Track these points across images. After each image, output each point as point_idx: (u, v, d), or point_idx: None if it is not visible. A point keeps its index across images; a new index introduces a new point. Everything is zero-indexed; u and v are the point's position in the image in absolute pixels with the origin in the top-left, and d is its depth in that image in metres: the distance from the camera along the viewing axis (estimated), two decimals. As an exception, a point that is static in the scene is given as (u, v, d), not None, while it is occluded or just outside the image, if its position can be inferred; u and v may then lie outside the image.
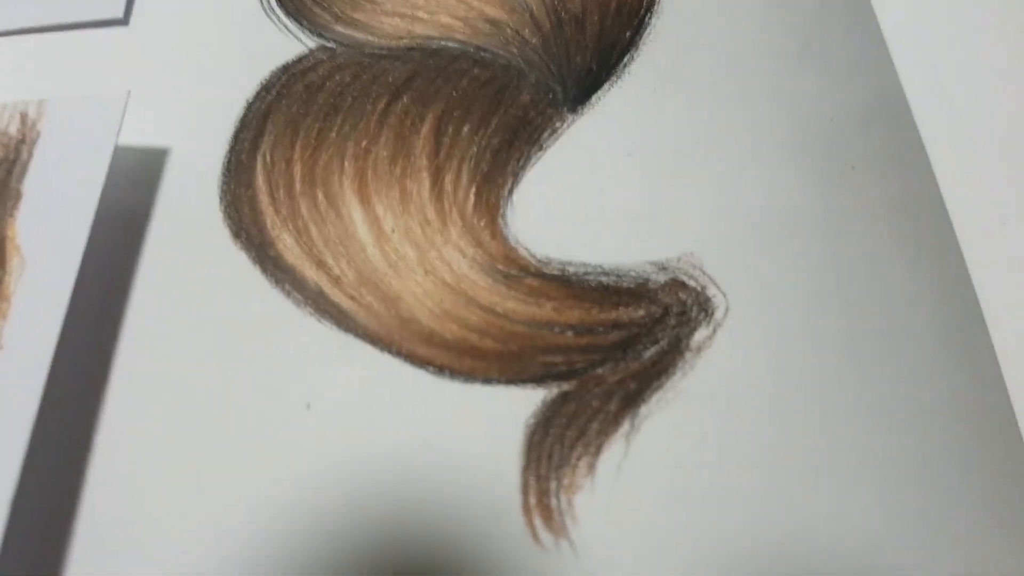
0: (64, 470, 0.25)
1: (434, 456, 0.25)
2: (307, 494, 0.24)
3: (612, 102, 0.31)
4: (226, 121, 0.31)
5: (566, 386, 0.25)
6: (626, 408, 0.25)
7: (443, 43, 0.32)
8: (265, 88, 0.31)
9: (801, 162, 0.29)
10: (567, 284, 0.27)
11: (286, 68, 0.32)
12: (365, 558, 0.23)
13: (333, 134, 0.30)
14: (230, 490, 0.25)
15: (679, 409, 0.25)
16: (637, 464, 0.24)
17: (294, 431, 0.25)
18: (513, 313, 0.27)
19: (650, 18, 0.32)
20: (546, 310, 0.27)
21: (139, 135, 0.30)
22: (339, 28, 0.33)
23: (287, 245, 0.28)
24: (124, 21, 0.34)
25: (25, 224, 0.26)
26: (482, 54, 0.32)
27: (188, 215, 0.29)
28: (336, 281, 0.27)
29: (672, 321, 0.26)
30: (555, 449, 0.24)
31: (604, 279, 0.27)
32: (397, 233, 0.28)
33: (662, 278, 0.27)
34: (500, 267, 0.28)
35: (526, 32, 0.32)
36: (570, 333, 0.26)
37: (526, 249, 0.28)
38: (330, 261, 0.28)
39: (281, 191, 0.29)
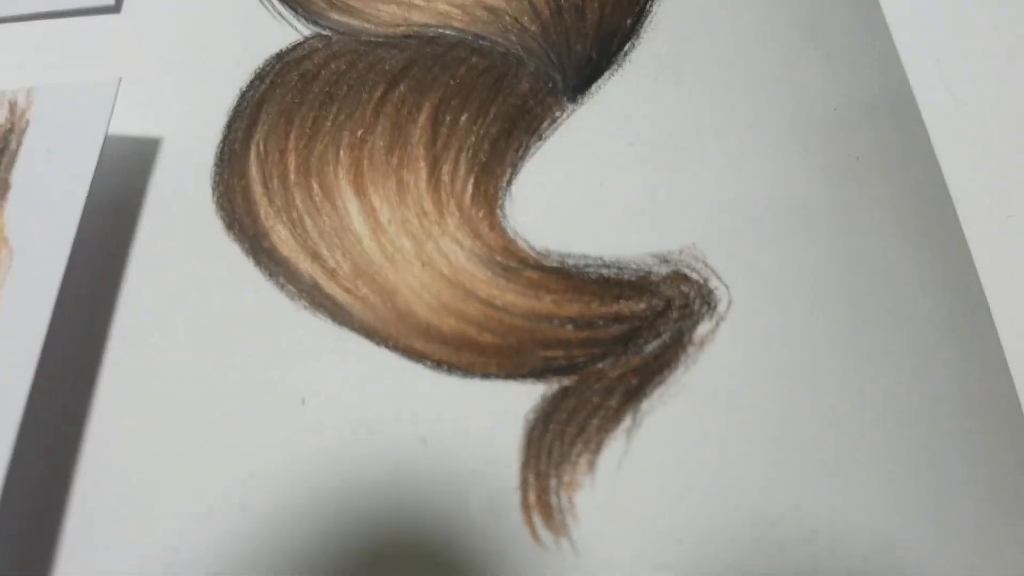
0: (53, 467, 0.25)
1: (431, 453, 0.24)
2: (301, 492, 0.24)
3: (613, 91, 0.30)
4: (219, 110, 0.30)
5: (566, 381, 0.25)
6: (627, 403, 0.25)
7: (440, 31, 0.32)
8: (259, 76, 0.31)
9: (805, 153, 0.29)
10: (567, 276, 0.27)
11: (280, 56, 0.31)
12: (361, 556, 0.23)
13: (328, 123, 0.30)
14: (222, 487, 0.24)
15: (681, 404, 0.25)
16: (638, 461, 0.24)
17: (288, 427, 0.25)
18: (512, 306, 0.26)
19: (651, 5, 0.32)
20: (546, 303, 0.26)
21: (130, 124, 0.30)
22: (334, 15, 0.32)
23: (281, 237, 0.28)
24: (115, 8, 0.33)
25: (13, 215, 0.26)
26: (480, 42, 0.31)
27: (180, 206, 0.29)
28: (331, 274, 0.27)
29: (674, 314, 0.26)
30: (555, 445, 0.24)
31: (605, 271, 0.27)
32: (394, 225, 0.28)
33: (664, 270, 0.27)
34: (499, 259, 0.27)
35: (525, 19, 0.32)
36: (570, 326, 0.26)
37: (525, 241, 0.27)
38: (325, 253, 0.27)
39: (275, 181, 0.29)
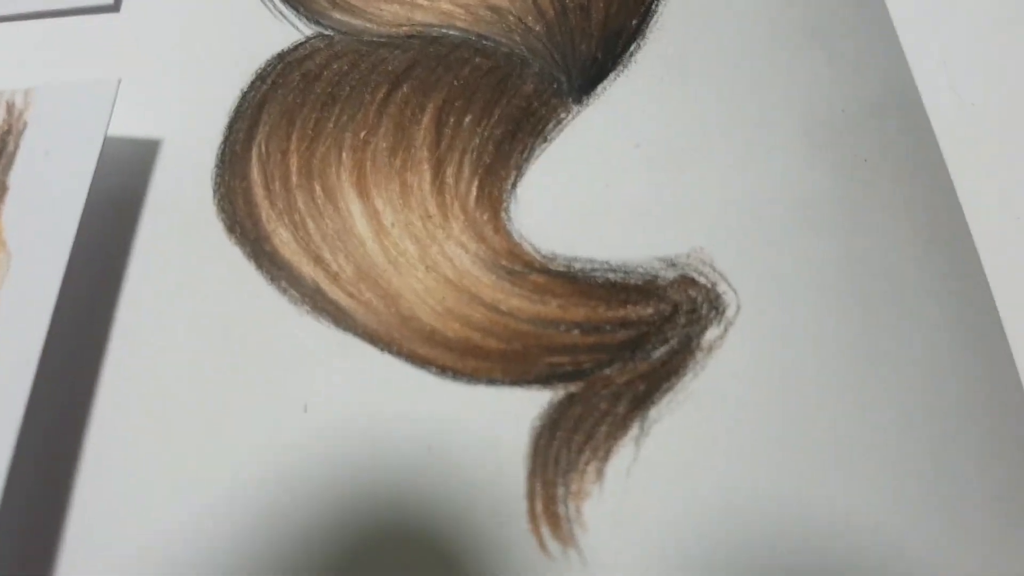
0: (53, 473, 0.24)
1: (437, 461, 0.24)
2: (304, 499, 0.24)
3: (618, 92, 0.30)
4: (220, 111, 0.30)
5: (573, 387, 0.25)
6: (635, 410, 0.24)
7: (444, 31, 0.31)
8: (260, 77, 0.31)
9: (812, 154, 0.28)
10: (573, 281, 0.26)
11: (282, 56, 0.31)
12: (365, 565, 0.23)
13: (331, 125, 0.29)
14: (224, 495, 0.24)
15: (690, 411, 0.24)
16: (647, 469, 0.23)
17: (290, 433, 0.24)
18: (517, 311, 0.26)
19: (656, 5, 0.32)
20: (551, 308, 0.26)
21: (130, 125, 0.30)
22: (336, 15, 0.32)
23: (283, 240, 0.27)
24: (115, 7, 0.33)
25: (11, 218, 0.26)
26: (484, 42, 0.31)
27: (181, 208, 0.28)
28: (334, 277, 0.27)
29: (682, 319, 0.26)
30: (562, 453, 0.24)
31: (611, 276, 0.26)
32: (397, 227, 0.27)
33: (671, 274, 0.26)
34: (504, 263, 0.27)
35: (529, 19, 0.31)
36: (576, 332, 0.26)
37: (530, 244, 0.27)
38: (328, 256, 0.27)
39: (277, 183, 0.28)
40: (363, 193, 0.28)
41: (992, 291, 0.26)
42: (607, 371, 0.25)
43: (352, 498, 0.24)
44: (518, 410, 0.24)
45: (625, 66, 0.30)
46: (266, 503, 0.24)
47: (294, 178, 0.28)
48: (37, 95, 0.28)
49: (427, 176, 0.28)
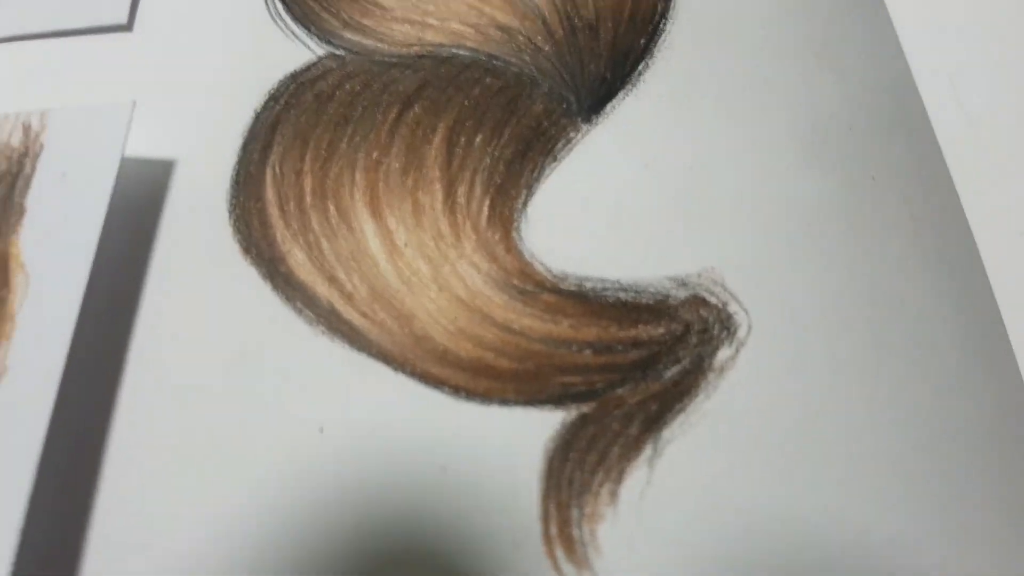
0: (72, 496, 0.24)
1: (451, 481, 0.24)
2: (319, 520, 0.24)
3: (627, 111, 0.30)
4: (234, 131, 0.30)
5: (585, 407, 0.25)
6: (648, 431, 0.24)
7: (454, 51, 0.31)
8: (273, 97, 0.31)
9: (821, 173, 0.29)
10: (584, 300, 0.27)
11: (295, 76, 0.31)
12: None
13: (344, 145, 0.30)
14: (241, 516, 0.24)
15: (703, 432, 0.24)
16: (661, 491, 0.24)
17: (306, 455, 0.25)
18: (529, 331, 0.26)
19: (665, 25, 0.32)
20: (563, 327, 0.26)
21: (144, 146, 0.30)
22: (348, 34, 0.32)
23: (298, 261, 0.28)
24: (128, 27, 0.33)
25: (29, 240, 0.26)
26: (494, 62, 0.31)
27: (196, 229, 0.28)
28: (349, 298, 0.27)
29: (693, 339, 0.26)
30: (576, 475, 0.24)
31: (622, 295, 0.27)
32: (410, 247, 0.28)
33: (682, 294, 0.27)
34: (515, 283, 0.27)
35: (539, 39, 0.31)
36: (588, 351, 0.26)
37: (542, 264, 0.27)
38: (342, 277, 0.27)
39: (291, 204, 0.29)
40: (376, 213, 0.28)
41: (999, 308, 0.26)
42: (619, 391, 0.25)
43: (368, 518, 0.24)
44: (531, 430, 0.25)
45: (634, 85, 0.31)
46: (283, 525, 0.24)
47: (308, 198, 0.29)
48: (53, 117, 0.28)
49: (439, 196, 0.29)
